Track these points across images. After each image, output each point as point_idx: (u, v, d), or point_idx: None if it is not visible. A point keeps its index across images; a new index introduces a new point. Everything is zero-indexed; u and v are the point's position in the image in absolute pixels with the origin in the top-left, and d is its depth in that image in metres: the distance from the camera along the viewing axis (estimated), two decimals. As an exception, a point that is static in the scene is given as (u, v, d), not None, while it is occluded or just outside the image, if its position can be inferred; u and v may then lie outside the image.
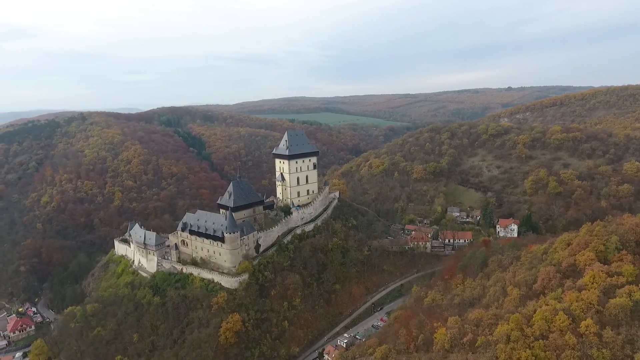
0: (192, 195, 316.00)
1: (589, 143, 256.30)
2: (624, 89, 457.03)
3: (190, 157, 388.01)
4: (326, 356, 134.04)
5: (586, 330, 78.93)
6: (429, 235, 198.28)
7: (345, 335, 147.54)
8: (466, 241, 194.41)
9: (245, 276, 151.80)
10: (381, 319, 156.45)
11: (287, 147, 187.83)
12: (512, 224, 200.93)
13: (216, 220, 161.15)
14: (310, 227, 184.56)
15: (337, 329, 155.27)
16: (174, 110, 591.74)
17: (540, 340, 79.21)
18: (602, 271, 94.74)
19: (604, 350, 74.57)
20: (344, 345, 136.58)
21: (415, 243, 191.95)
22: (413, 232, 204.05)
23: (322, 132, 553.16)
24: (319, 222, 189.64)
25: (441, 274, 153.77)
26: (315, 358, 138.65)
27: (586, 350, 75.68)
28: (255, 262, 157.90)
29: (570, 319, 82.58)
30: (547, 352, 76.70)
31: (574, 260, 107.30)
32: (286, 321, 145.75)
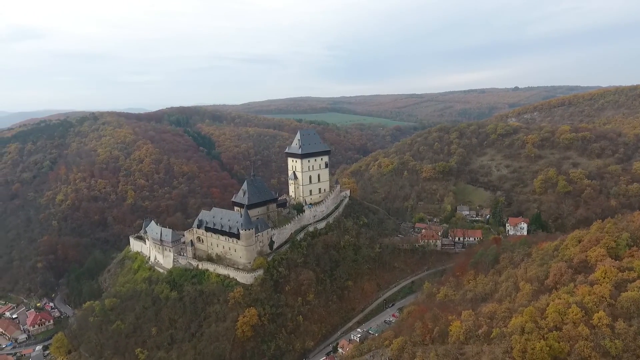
0: (203, 194, 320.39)
1: (598, 143, 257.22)
2: (633, 88, 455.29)
3: (200, 157, 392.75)
4: (340, 350, 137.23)
5: (599, 322, 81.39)
6: (439, 234, 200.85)
7: (359, 330, 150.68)
8: (476, 239, 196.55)
9: (260, 272, 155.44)
10: (393, 315, 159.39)
11: (300, 146, 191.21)
12: (522, 223, 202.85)
13: (231, 217, 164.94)
14: (322, 224, 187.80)
15: (350, 324, 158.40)
16: (182, 110, 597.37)
17: (554, 332, 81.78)
18: (613, 266, 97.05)
19: (616, 341, 76.99)
20: (358, 340, 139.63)
21: (426, 241, 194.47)
22: (423, 230, 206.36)
23: (330, 131, 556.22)
24: (330, 219, 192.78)
25: (453, 271, 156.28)
26: (330, 352, 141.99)
27: (599, 341, 78.17)
28: (269, 259, 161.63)
29: (583, 311, 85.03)
30: (561, 343, 79.26)
31: (585, 256, 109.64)
32: (300, 316, 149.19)
